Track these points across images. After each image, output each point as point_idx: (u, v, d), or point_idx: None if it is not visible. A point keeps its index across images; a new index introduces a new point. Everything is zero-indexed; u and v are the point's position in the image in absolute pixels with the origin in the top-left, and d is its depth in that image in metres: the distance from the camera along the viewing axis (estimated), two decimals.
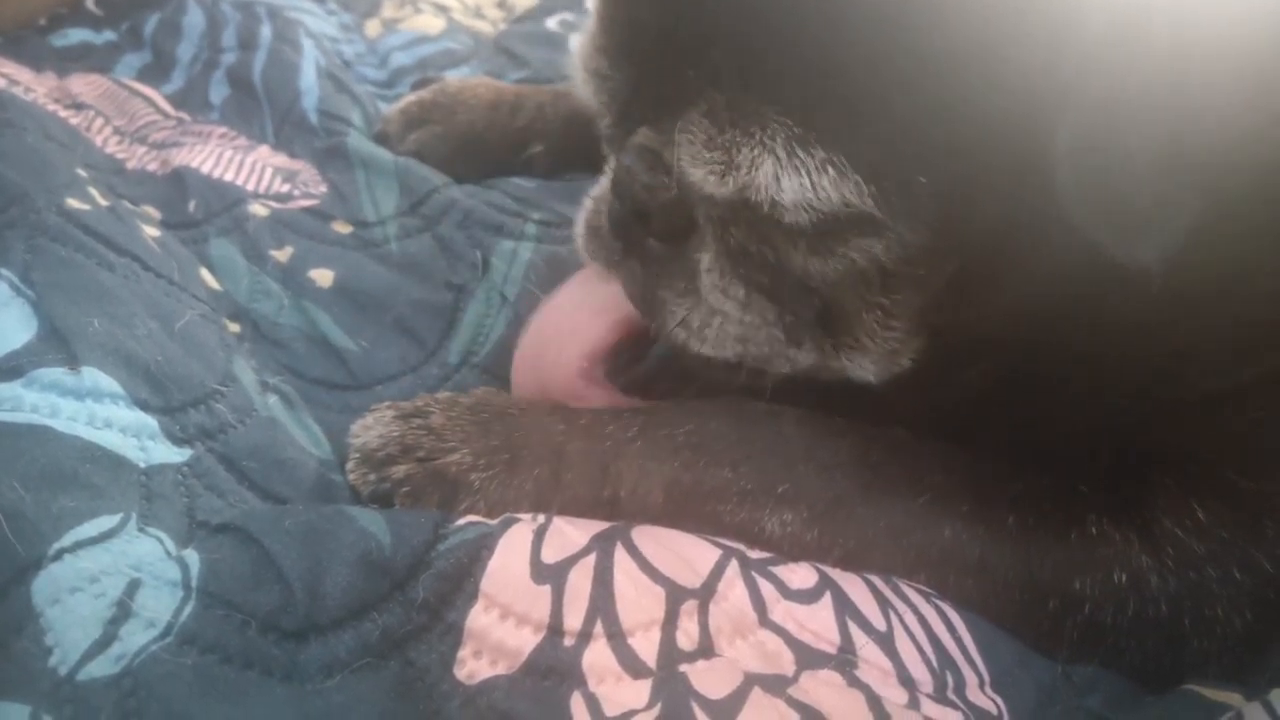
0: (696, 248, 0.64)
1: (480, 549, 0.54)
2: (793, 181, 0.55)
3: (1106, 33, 0.49)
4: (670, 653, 0.52)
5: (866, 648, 0.55)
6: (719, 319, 0.64)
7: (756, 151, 0.56)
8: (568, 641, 0.52)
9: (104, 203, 0.78)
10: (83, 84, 1.08)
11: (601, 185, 0.70)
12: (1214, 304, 0.60)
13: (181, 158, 0.97)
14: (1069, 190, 0.52)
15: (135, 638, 0.49)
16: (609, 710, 0.49)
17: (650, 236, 0.65)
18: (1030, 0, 0.51)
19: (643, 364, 0.74)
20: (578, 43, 0.66)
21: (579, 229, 0.71)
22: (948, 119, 0.54)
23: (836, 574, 0.59)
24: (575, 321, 0.70)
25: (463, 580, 0.53)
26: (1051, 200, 0.52)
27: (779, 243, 0.61)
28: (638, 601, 0.54)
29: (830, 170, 0.55)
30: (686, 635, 0.53)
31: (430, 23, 1.39)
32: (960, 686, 0.56)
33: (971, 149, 0.54)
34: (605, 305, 0.69)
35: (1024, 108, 0.52)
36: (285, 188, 0.96)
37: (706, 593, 0.55)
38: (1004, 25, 0.52)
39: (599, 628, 0.52)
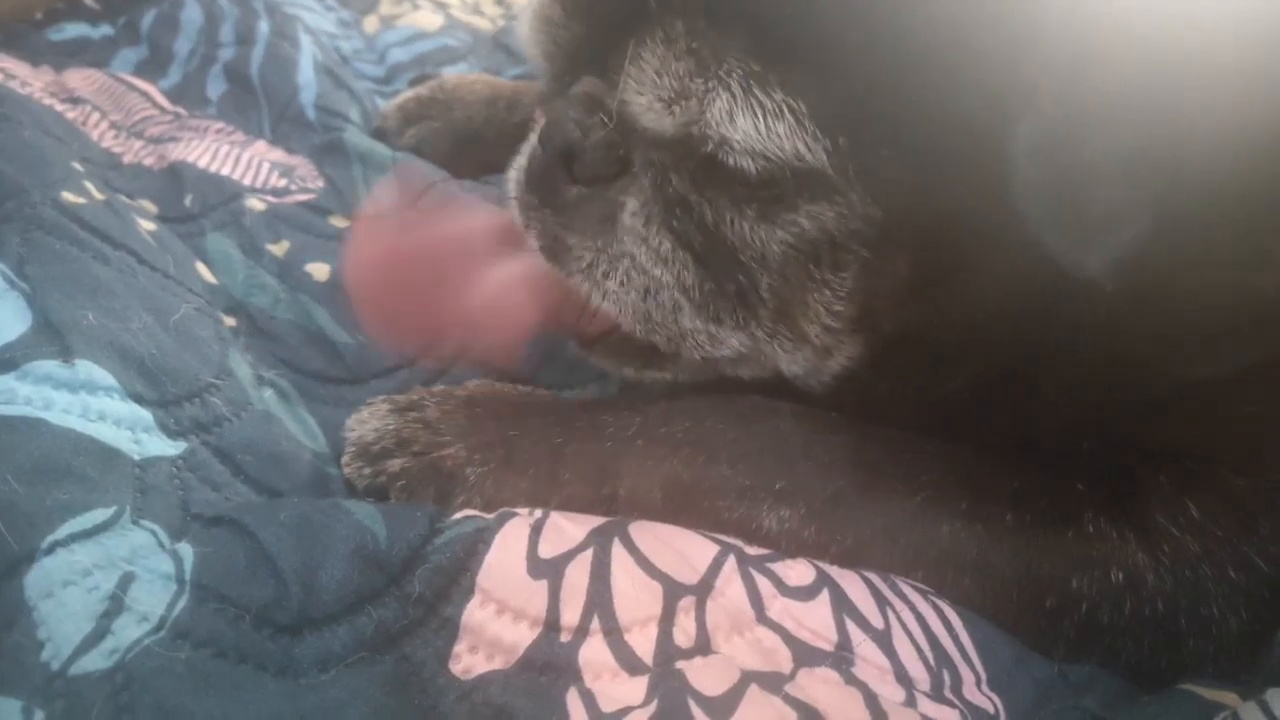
0: (622, 191, 0.61)
1: (477, 543, 0.54)
2: (746, 121, 0.53)
3: (1067, 37, 0.49)
4: (667, 649, 0.52)
5: (864, 645, 0.55)
6: (626, 262, 0.62)
7: (711, 84, 0.54)
8: (564, 637, 0.51)
9: (100, 197, 0.77)
10: (79, 78, 1.07)
11: (528, 142, 0.67)
12: (1169, 301, 0.59)
13: (178, 152, 0.96)
14: (1025, 192, 0.51)
15: (128, 631, 0.48)
16: (605, 706, 0.49)
17: (573, 181, 0.62)
18: None
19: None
20: None
21: (509, 186, 0.67)
22: (914, 96, 0.53)
23: (834, 571, 0.59)
24: (512, 303, 0.66)
25: (459, 575, 0.52)
26: (1004, 198, 0.51)
27: (719, 201, 0.58)
28: (635, 597, 0.53)
29: (788, 115, 0.53)
30: (684, 632, 0.53)
31: (428, 19, 1.38)
32: (957, 685, 0.56)
33: (934, 131, 0.53)
34: (539, 285, 0.65)
35: (988, 102, 0.52)
36: (282, 182, 0.95)
37: (704, 589, 0.55)
38: (974, 17, 0.51)
39: (596, 623, 0.52)
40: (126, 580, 0.50)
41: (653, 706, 0.49)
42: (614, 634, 0.52)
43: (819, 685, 0.52)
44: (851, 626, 0.55)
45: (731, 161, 0.55)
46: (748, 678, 0.52)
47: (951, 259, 0.59)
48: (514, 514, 0.57)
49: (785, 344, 0.63)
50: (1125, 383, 0.62)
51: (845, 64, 0.53)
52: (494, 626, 0.51)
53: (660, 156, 0.59)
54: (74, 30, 1.20)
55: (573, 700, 0.49)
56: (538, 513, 0.57)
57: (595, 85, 0.60)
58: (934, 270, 0.59)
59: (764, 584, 0.56)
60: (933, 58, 0.52)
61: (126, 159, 0.97)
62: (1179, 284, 0.58)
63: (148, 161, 0.97)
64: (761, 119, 0.53)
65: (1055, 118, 0.50)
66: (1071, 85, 0.49)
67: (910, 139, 0.54)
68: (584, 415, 0.66)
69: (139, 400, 0.60)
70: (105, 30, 1.21)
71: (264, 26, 1.17)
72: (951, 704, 0.54)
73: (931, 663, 0.56)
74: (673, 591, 0.54)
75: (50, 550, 0.50)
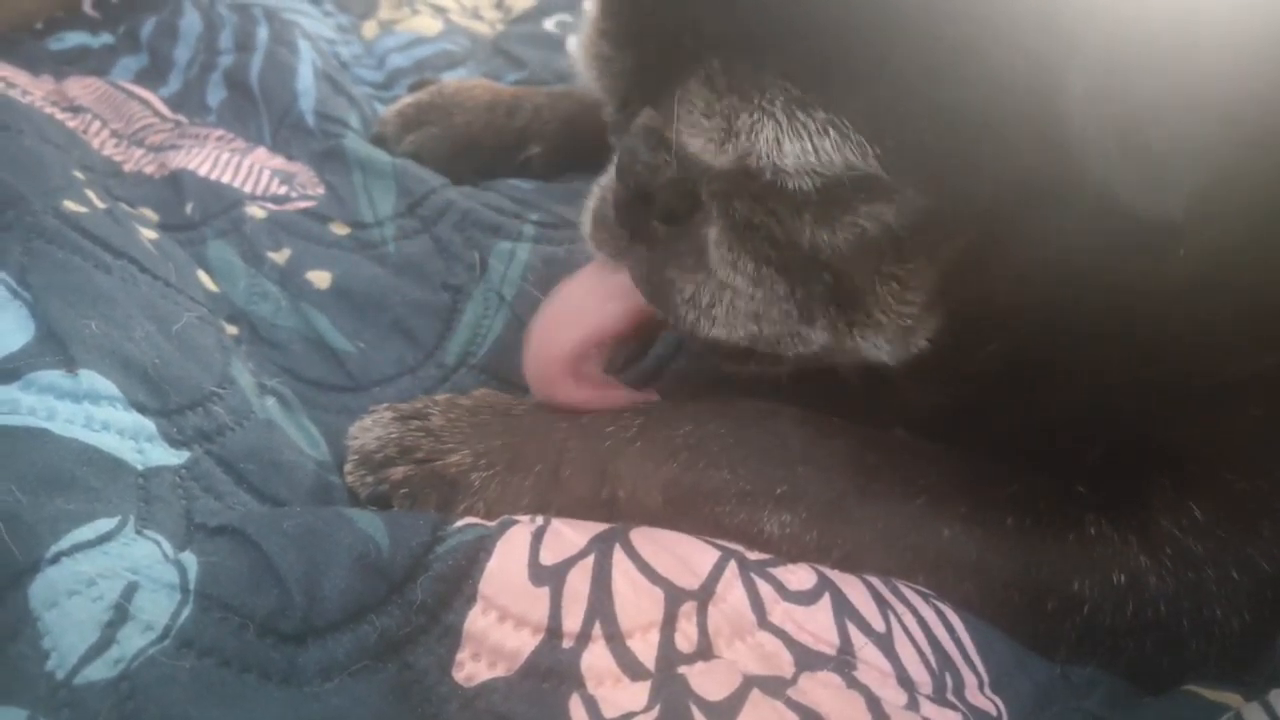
0: (702, 224, 0.62)
1: (478, 551, 0.54)
2: (794, 146, 0.54)
3: None
4: (669, 654, 0.52)
5: (865, 649, 0.55)
6: (729, 294, 0.62)
7: (755, 116, 0.55)
8: (566, 643, 0.51)
9: (101, 205, 0.77)
10: (80, 87, 1.07)
11: (608, 174, 0.68)
12: (1231, 280, 0.58)
13: (179, 160, 0.97)
14: (1084, 141, 0.51)
15: (133, 641, 0.48)
16: (608, 712, 0.49)
17: (655, 219, 0.63)
18: None
19: (639, 364, 0.74)
20: (580, 31, 0.65)
21: (586, 219, 0.69)
22: (950, 76, 0.53)
23: (835, 575, 0.59)
24: (581, 305, 0.68)
25: (461, 582, 0.52)
26: (1065, 157, 0.51)
27: (784, 214, 0.59)
28: (636, 603, 0.53)
29: (832, 132, 0.53)
30: (685, 637, 0.53)
31: (427, 24, 1.38)
32: (959, 688, 0.56)
33: (977, 106, 0.53)
34: (615, 292, 0.67)
35: (1028, 61, 0.51)
36: (283, 190, 0.96)
37: (705, 594, 0.55)
38: None
39: (597, 629, 0.52)
40: (131, 590, 0.50)
41: (655, 712, 0.49)
42: (616, 640, 0.52)
43: (821, 689, 0.52)
44: (853, 630, 0.55)
45: (791, 185, 0.56)
46: (749, 682, 0.52)
47: (1012, 231, 0.58)
48: (515, 521, 0.57)
49: (866, 333, 0.63)
50: (1140, 383, 0.62)
51: (878, 64, 0.53)
52: (496, 633, 0.51)
53: (722, 187, 0.60)
54: (74, 39, 1.20)
55: (575, 706, 0.49)
56: (539, 520, 0.58)
57: (654, 119, 0.61)
58: (996, 243, 0.59)
59: (765, 589, 0.56)
60: (964, 28, 0.52)
61: (127, 167, 0.97)
62: (1240, 261, 0.57)
63: (148, 170, 0.97)
64: (808, 140, 0.54)
65: (1103, 59, 0.49)
66: (1114, 24, 0.48)
67: (955, 117, 0.54)
68: (585, 419, 0.66)
69: (142, 410, 0.60)
70: (105, 39, 1.21)
71: (263, 33, 1.17)
72: (954, 707, 0.54)
73: (933, 666, 0.56)
74: (674, 597, 0.54)
75: (54, 560, 0.50)
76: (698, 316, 0.64)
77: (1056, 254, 0.58)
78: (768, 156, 0.55)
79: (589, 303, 0.67)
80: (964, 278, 0.61)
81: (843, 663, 0.54)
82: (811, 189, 0.56)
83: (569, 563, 0.54)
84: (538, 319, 0.68)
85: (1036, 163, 0.54)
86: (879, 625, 0.56)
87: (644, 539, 0.57)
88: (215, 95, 1.11)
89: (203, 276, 0.82)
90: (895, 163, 0.54)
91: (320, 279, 0.84)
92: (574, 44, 0.67)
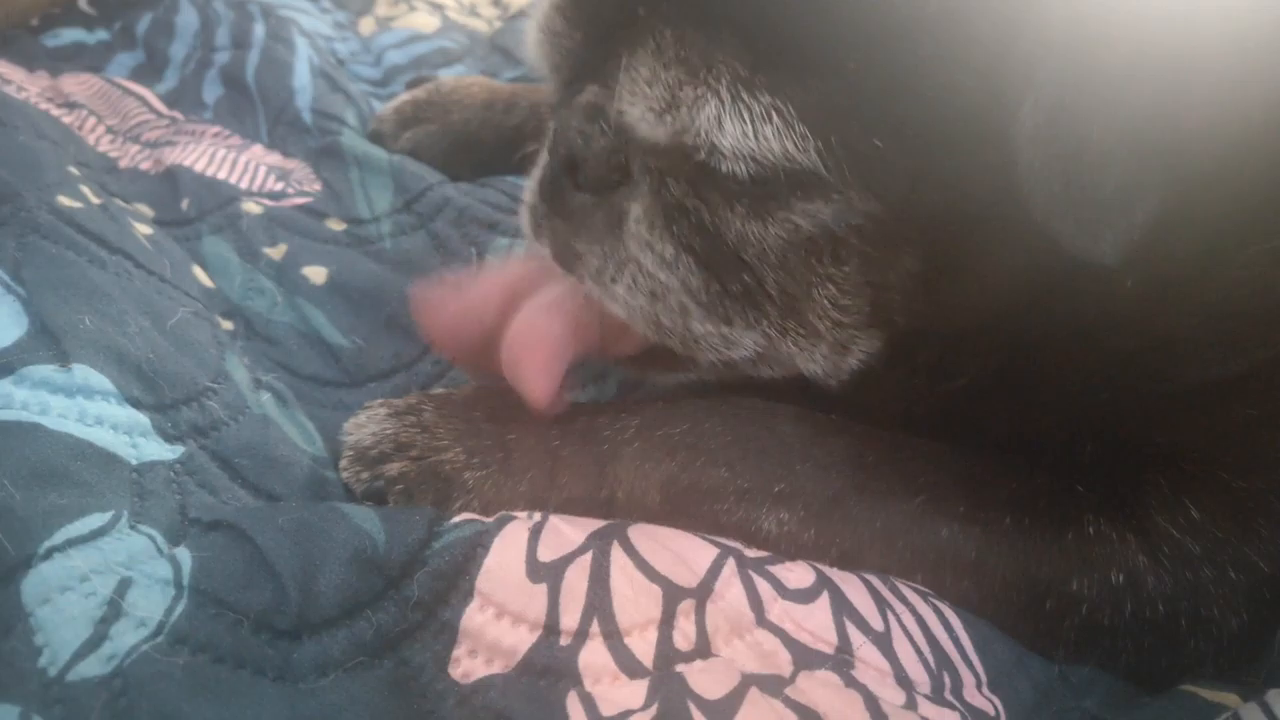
0: (626, 197, 0.61)
1: (475, 547, 0.53)
2: (734, 126, 0.53)
3: (1063, 15, 0.48)
4: (667, 652, 0.52)
5: (864, 648, 0.55)
6: (632, 267, 0.61)
7: (700, 91, 0.54)
8: (564, 641, 0.51)
9: (96, 201, 0.77)
10: (75, 83, 1.07)
11: (542, 152, 0.67)
12: (1185, 297, 0.58)
13: (174, 156, 0.96)
14: (1030, 177, 0.50)
15: (126, 637, 0.48)
16: (605, 710, 0.49)
17: (578, 188, 0.62)
18: None
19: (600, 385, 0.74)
20: (535, 8, 0.64)
21: (523, 208, 0.68)
22: (905, 87, 0.52)
23: (834, 573, 0.58)
24: (541, 329, 0.66)
25: (458, 578, 0.52)
26: (1010, 186, 0.51)
27: (715, 202, 0.58)
28: (634, 601, 0.53)
29: (775, 118, 0.53)
30: (683, 635, 0.53)
31: (425, 21, 1.38)
32: (957, 687, 0.56)
33: (930, 120, 0.53)
34: (570, 310, 0.66)
35: (984, 84, 0.51)
36: (279, 185, 0.95)
37: (703, 592, 0.54)
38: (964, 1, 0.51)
39: (595, 627, 0.52)
40: (124, 585, 0.50)
41: (653, 710, 0.49)
42: (613, 637, 0.52)
43: (819, 688, 0.52)
44: (851, 629, 0.55)
45: (724, 168, 0.55)
46: (748, 680, 0.51)
47: (959, 251, 0.58)
48: (513, 517, 0.57)
49: (799, 340, 0.63)
50: (1128, 384, 0.62)
51: (833, 59, 0.52)
52: (493, 630, 0.51)
53: (657, 163, 0.59)
54: (70, 35, 1.20)
55: (573, 704, 0.49)
56: (536, 516, 0.57)
57: (597, 94, 0.60)
58: (943, 263, 0.59)
59: (763, 587, 0.56)
60: (922, 42, 0.51)
61: (123, 163, 0.97)
62: (1193, 280, 0.57)
63: (144, 166, 0.97)
64: (749, 123, 0.53)
65: (1056, 97, 0.49)
66: (1070, 63, 0.48)
67: (905, 128, 0.53)
68: (582, 417, 0.65)
69: (136, 404, 0.60)
70: (101, 35, 1.21)
71: (259, 30, 1.17)
72: (952, 706, 0.54)
73: (932, 665, 0.56)
74: (672, 594, 0.54)
75: (47, 556, 0.50)
76: (601, 292, 0.63)
77: (1005, 276, 0.58)
78: (706, 134, 0.54)
79: (551, 322, 0.66)
80: (908, 298, 0.61)
81: (841, 661, 0.54)
82: (746, 176, 0.55)
83: (567, 559, 0.54)
84: (519, 345, 0.66)
85: (983, 187, 0.54)
86: (877, 624, 0.56)
87: (642, 536, 0.57)
88: (211, 92, 1.11)
89: (198, 272, 0.82)
90: (837, 161, 0.53)
91: (316, 274, 0.84)
92: (528, 22, 0.65)
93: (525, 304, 0.67)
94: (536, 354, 0.64)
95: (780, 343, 0.63)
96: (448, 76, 1.15)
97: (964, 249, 0.58)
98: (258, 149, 1.02)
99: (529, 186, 0.68)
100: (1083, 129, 0.49)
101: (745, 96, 0.53)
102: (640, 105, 0.56)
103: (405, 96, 1.08)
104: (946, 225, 0.57)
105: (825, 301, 0.61)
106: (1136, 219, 0.50)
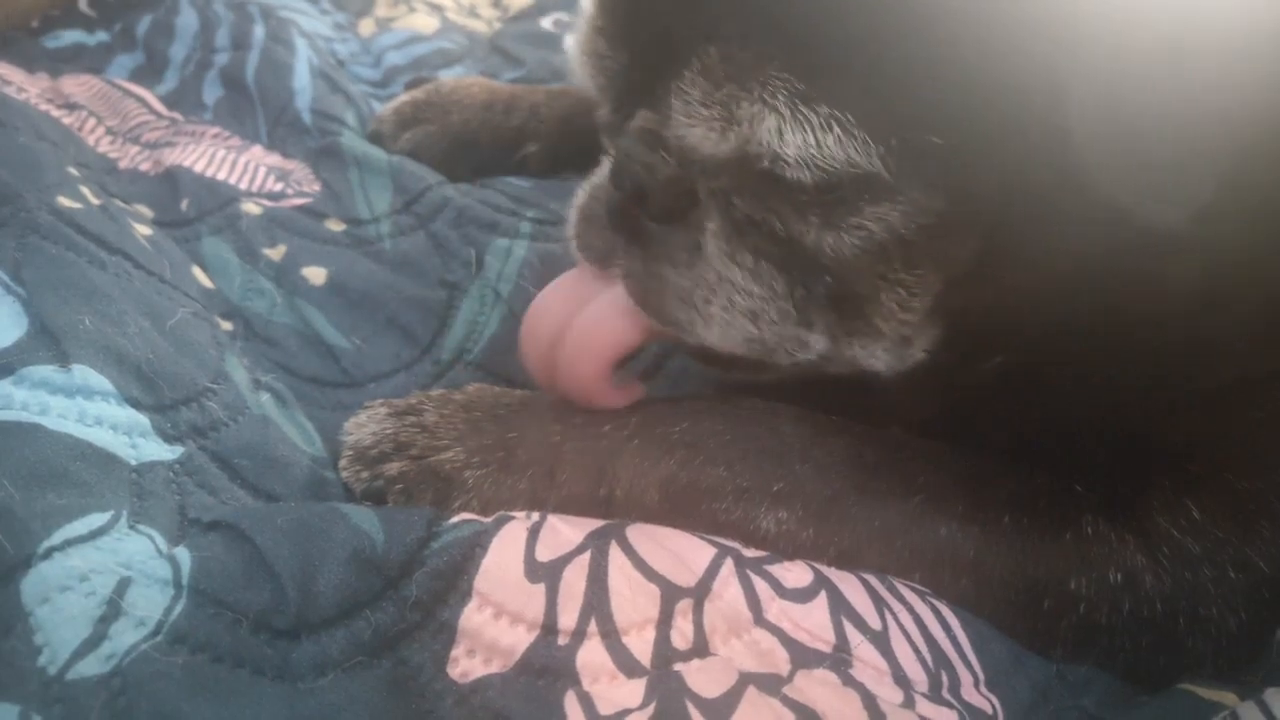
0: (700, 220, 0.61)
1: (474, 547, 0.54)
2: (797, 136, 0.54)
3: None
4: (665, 652, 0.52)
5: (861, 647, 0.55)
6: (726, 288, 0.62)
7: (757, 107, 0.54)
8: (562, 640, 0.51)
9: (96, 201, 0.77)
10: (75, 85, 1.07)
11: (599, 173, 0.68)
12: (1245, 281, 0.58)
13: (174, 157, 0.97)
14: (1087, 152, 0.51)
15: (125, 636, 0.48)
16: (603, 709, 0.49)
17: (649, 219, 0.62)
18: None
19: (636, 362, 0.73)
20: (576, 29, 0.65)
21: (572, 217, 0.67)
22: (956, 77, 0.52)
23: (832, 573, 0.58)
24: (610, 322, 0.65)
25: (456, 578, 0.52)
26: (1069, 165, 0.51)
27: (787, 214, 0.59)
28: (632, 600, 0.53)
29: (835, 127, 0.53)
30: (681, 634, 0.53)
31: (424, 22, 1.38)
32: (955, 686, 0.56)
33: (983, 109, 0.53)
34: (629, 307, 0.65)
35: (1034, 66, 0.51)
36: (278, 186, 0.95)
37: (701, 591, 0.55)
38: None
39: (593, 626, 0.52)
40: (123, 585, 0.50)
41: (650, 709, 0.49)
42: (611, 636, 0.52)
43: (817, 687, 0.52)
44: (849, 628, 0.55)
45: (789, 175, 0.56)
46: (745, 679, 0.51)
47: (1021, 235, 0.58)
48: (511, 517, 0.57)
49: (865, 341, 0.63)
50: (1157, 378, 0.62)
51: (885, 65, 0.53)
52: (492, 630, 0.51)
53: (721, 183, 0.60)
54: (70, 37, 1.20)
55: (571, 703, 0.49)
56: (535, 516, 0.57)
57: (650, 119, 0.61)
58: (1004, 250, 0.59)
59: (761, 586, 0.56)
60: (972, 34, 0.52)
61: (123, 164, 0.97)
62: (1259, 255, 0.57)
63: (144, 166, 0.97)
64: (810, 134, 0.54)
65: (1107, 74, 0.49)
66: (1119, 39, 0.49)
67: (961, 121, 0.54)
68: (581, 416, 0.65)
69: (135, 405, 0.60)
70: (101, 37, 1.21)
71: (259, 31, 1.17)
72: (949, 705, 0.54)
73: (929, 664, 0.56)
74: (670, 594, 0.54)
75: (47, 555, 0.50)
76: (694, 317, 0.63)
77: (1062, 263, 0.58)
78: (768, 145, 0.55)
79: (616, 319, 0.65)
80: (968, 287, 0.61)
81: (839, 660, 0.54)
82: (810, 183, 0.55)
83: (565, 559, 0.54)
84: (569, 334, 0.66)
85: (1041, 170, 0.54)
86: (875, 623, 0.56)
87: (641, 536, 0.57)
88: (211, 93, 1.11)
89: (198, 273, 0.82)
90: (899, 163, 0.54)
91: (316, 275, 0.84)
92: (570, 42, 0.66)
93: (579, 313, 0.66)
94: (595, 345, 0.64)
95: (846, 345, 0.63)
96: (447, 77, 1.15)
97: (1022, 232, 0.58)
98: (257, 150, 1.02)
99: (579, 205, 0.67)
100: (1137, 98, 0.49)
101: (803, 109, 0.53)
102: (700, 127, 0.57)
103: (405, 97, 1.08)
104: (1009, 210, 0.57)
105: (893, 304, 0.61)
106: (1204, 178, 0.50)
